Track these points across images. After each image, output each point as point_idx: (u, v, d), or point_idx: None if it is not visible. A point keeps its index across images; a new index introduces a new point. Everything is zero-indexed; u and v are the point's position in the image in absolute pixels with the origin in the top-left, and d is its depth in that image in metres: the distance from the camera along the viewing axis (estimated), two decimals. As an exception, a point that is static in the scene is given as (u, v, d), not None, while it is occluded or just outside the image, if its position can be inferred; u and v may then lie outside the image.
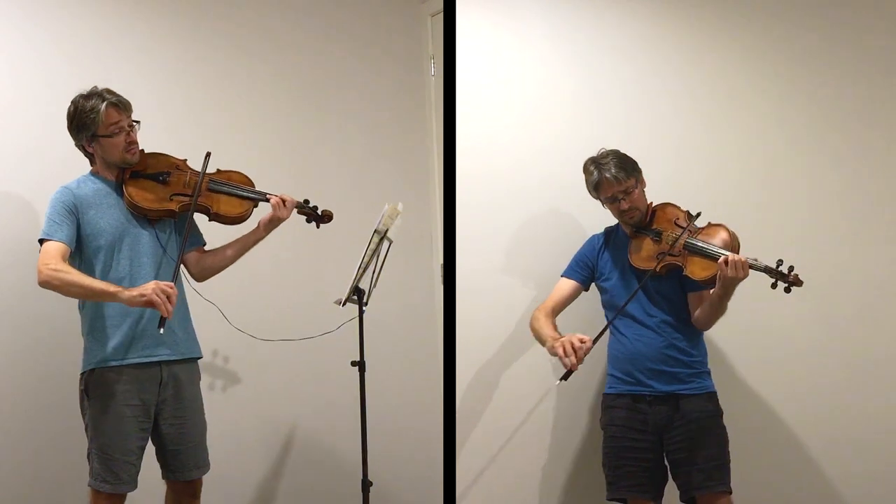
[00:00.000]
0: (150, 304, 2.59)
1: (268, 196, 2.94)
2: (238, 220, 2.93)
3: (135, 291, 2.60)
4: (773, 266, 2.77)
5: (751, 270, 2.76)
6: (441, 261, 3.80)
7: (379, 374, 3.15)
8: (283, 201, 2.91)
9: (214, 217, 2.90)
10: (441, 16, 3.66)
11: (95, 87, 2.78)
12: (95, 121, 2.72)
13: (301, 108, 3.75)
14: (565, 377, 2.82)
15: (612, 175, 2.94)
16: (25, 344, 3.14)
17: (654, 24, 3.48)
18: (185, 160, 2.91)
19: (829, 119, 3.46)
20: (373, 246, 2.92)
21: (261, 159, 3.56)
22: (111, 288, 2.63)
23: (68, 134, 2.79)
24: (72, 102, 2.77)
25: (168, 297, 2.59)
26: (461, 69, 3.33)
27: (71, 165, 2.94)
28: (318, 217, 3.05)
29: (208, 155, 2.86)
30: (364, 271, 2.94)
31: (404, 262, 3.61)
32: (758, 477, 3.28)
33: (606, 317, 3.05)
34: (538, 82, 3.40)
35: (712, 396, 2.96)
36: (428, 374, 3.89)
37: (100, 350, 2.72)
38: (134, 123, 2.79)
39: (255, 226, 2.95)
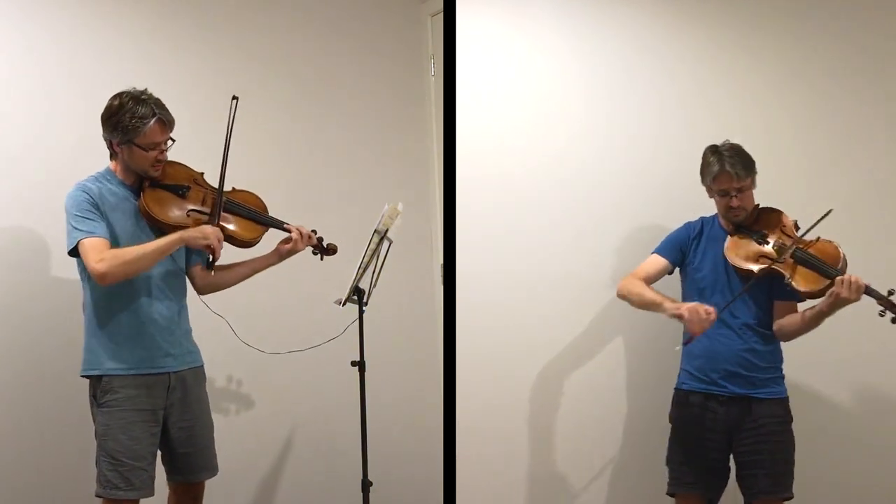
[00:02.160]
0: (208, 247, 2.70)
1: (286, 227, 2.93)
2: (249, 244, 2.91)
3: (196, 233, 2.70)
4: (885, 294, 2.73)
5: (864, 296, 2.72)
6: (441, 261, 3.80)
7: (379, 374, 3.15)
8: (305, 236, 2.93)
9: (227, 239, 2.85)
10: (441, 16, 3.66)
11: (146, 90, 2.71)
12: (139, 130, 2.65)
13: (301, 107, 3.74)
14: (687, 343, 2.83)
15: (733, 170, 2.89)
16: (24, 345, 3.13)
17: (661, 23, 3.48)
18: (203, 174, 2.88)
19: (845, 116, 3.44)
20: (373, 246, 2.93)
21: (261, 159, 3.56)
22: (173, 236, 2.67)
23: (68, 133, 2.78)
24: (118, 97, 2.67)
25: (219, 242, 2.72)
26: (461, 69, 3.32)
27: (70, 165, 2.94)
28: (323, 250, 3.03)
29: (235, 99, 2.83)
30: (364, 271, 2.94)
31: (404, 262, 3.60)
32: (816, 483, 3.22)
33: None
34: (538, 82, 3.40)
35: (784, 402, 2.93)
36: (428, 374, 3.89)
37: (109, 357, 2.68)
38: (170, 140, 2.75)
39: (270, 251, 2.95)
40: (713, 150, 2.96)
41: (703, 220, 3.10)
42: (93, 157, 2.87)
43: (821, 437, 3.26)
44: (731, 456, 2.94)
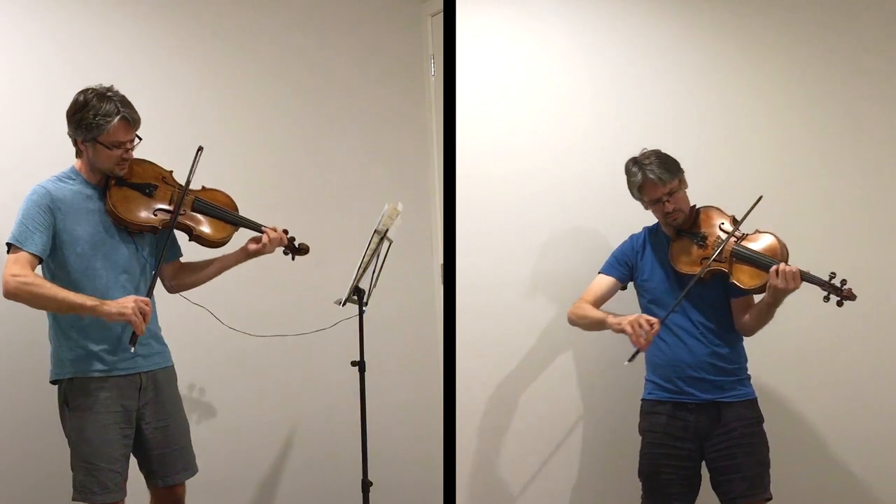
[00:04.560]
0: (128, 321, 2.55)
1: (262, 228, 2.89)
2: (219, 244, 2.87)
3: (114, 307, 2.54)
4: (826, 279, 2.71)
5: (803, 282, 2.71)
6: (441, 261, 3.80)
7: (379, 374, 3.15)
8: (277, 239, 2.88)
9: (195, 238, 2.83)
10: (441, 16, 3.66)
11: (112, 87, 2.66)
12: (102, 128, 2.60)
13: (301, 107, 3.74)
14: (633, 358, 2.78)
15: (657, 176, 2.87)
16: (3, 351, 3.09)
17: (666, 22, 3.47)
18: (172, 172, 2.82)
19: (853, 116, 3.43)
20: (373, 246, 2.93)
21: (260, 160, 3.56)
22: (89, 301, 2.54)
23: (66, 131, 2.75)
24: (83, 93, 2.63)
25: (144, 316, 2.57)
26: (461, 69, 3.33)
27: (69, 165, 2.94)
28: (295, 250, 2.99)
29: (200, 150, 2.74)
30: (364, 271, 2.94)
31: (404, 262, 3.61)
32: (793, 480, 3.21)
33: (644, 313, 2.94)
34: (538, 82, 3.40)
35: (753, 403, 2.91)
36: (428, 374, 3.89)
37: (78, 359, 2.64)
38: (136, 138, 2.70)
39: (239, 248, 2.90)
40: (634, 162, 2.94)
41: (646, 230, 3.08)
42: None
43: (787, 439, 3.24)
44: (704, 463, 2.90)
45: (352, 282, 2.93)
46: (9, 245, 2.60)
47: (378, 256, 2.94)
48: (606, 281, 3.05)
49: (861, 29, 3.44)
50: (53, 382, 2.70)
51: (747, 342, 2.96)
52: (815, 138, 3.44)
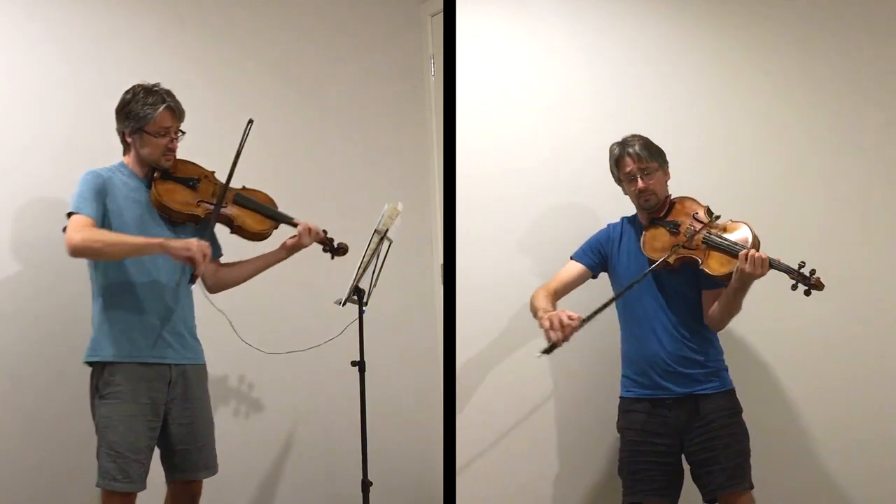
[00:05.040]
0: (191, 259, 2.67)
1: (295, 221, 2.97)
2: (259, 236, 2.96)
3: (179, 244, 2.67)
4: (795, 267, 2.73)
5: (772, 270, 2.72)
6: (441, 261, 3.80)
7: (379, 374, 3.15)
8: (309, 230, 2.95)
9: (236, 230, 2.92)
10: (441, 16, 3.66)
11: (159, 84, 2.80)
12: (149, 117, 2.73)
13: (301, 107, 3.75)
14: (547, 351, 2.73)
15: (635, 151, 2.91)
16: (32, 337, 3.13)
17: (665, 22, 3.47)
18: (213, 172, 2.93)
19: (851, 118, 3.42)
20: (373, 246, 2.93)
21: (260, 159, 3.56)
22: (155, 240, 2.68)
23: (67, 132, 2.78)
24: (131, 90, 2.78)
25: (204, 258, 2.68)
26: (461, 69, 3.33)
27: (69, 165, 2.94)
28: (333, 249, 3.05)
29: (250, 122, 2.85)
30: (364, 271, 2.95)
31: (404, 262, 3.61)
32: (777, 474, 3.24)
33: (617, 308, 2.99)
34: (539, 81, 3.40)
35: (730, 394, 2.92)
36: (428, 374, 3.89)
37: (111, 345, 2.71)
38: (180, 132, 2.82)
39: (278, 246, 2.99)
40: (617, 142, 3.00)
41: (624, 220, 3.08)
42: (91, 155, 2.88)
43: (772, 432, 3.25)
44: (684, 456, 2.91)
45: (352, 282, 2.93)
46: (68, 215, 2.68)
47: (378, 256, 2.94)
48: (575, 268, 3.05)
49: (862, 28, 3.44)
50: (87, 363, 2.76)
51: (745, 338, 2.96)
52: (814, 138, 3.44)
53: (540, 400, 3.33)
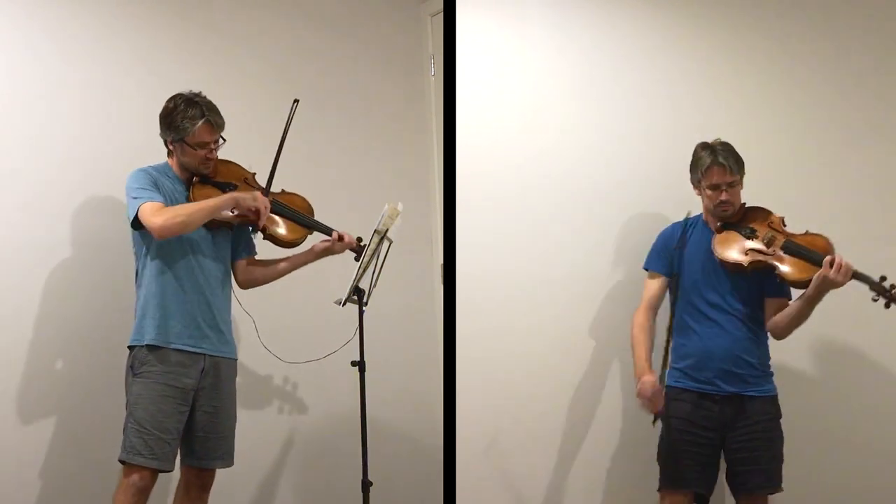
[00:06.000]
0: (256, 211, 2.83)
1: (329, 230, 3.04)
2: (291, 244, 3.03)
3: (248, 195, 2.84)
4: (877, 280, 2.76)
5: (853, 279, 2.75)
6: (441, 261, 3.80)
7: (379, 374, 3.15)
8: (343, 239, 3.02)
9: (269, 238, 2.99)
10: (441, 16, 3.66)
11: (200, 93, 2.87)
12: (188, 130, 2.81)
13: (301, 107, 3.72)
14: (655, 421, 2.90)
15: (726, 162, 2.92)
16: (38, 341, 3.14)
17: (660, 26, 3.47)
18: (255, 174, 2.99)
19: (854, 118, 3.43)
20: (373, 246, 2.93)
21: (261, 160, 3.56)
22: (225, 195, 2.83)
23: (67, 133, 2.78)
24: (172, 99, 2.85)
25: (266, 209, 2.86)
26: (461, 69, 3.32)
27: (70, 165, 2.95)
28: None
29: (296, 102, 2.96)
30: (364, 271, 2.95)
31: (404, 262, 3.60)
32: (800, 476, 3.22)
33: (675, 310, 3.00)
34: (539, 82, 3.39)
35: (775, 400, 2.97)
36: (428, 374, 3.89)
37: (151, 329, 2.79)
38: (221, 139, 2.89)
39: (309, 248, 3.05)
40: (704, 146, 3.00)
41: (685, 223, 3.06)
42: (93, 156, 2.88)
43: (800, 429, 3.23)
44: (722, 452, 2.96)
45: (352, 282, 2.93)
46: (139, 209, 2.74)
47: (378, 256, 2.94)
48: (658, 280, 3.09)
49: (865, 28, 3.45)
50: (130, 347, 2.84)
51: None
52: (815, 139, 3.44)
53: (540, 400, 3.33)
